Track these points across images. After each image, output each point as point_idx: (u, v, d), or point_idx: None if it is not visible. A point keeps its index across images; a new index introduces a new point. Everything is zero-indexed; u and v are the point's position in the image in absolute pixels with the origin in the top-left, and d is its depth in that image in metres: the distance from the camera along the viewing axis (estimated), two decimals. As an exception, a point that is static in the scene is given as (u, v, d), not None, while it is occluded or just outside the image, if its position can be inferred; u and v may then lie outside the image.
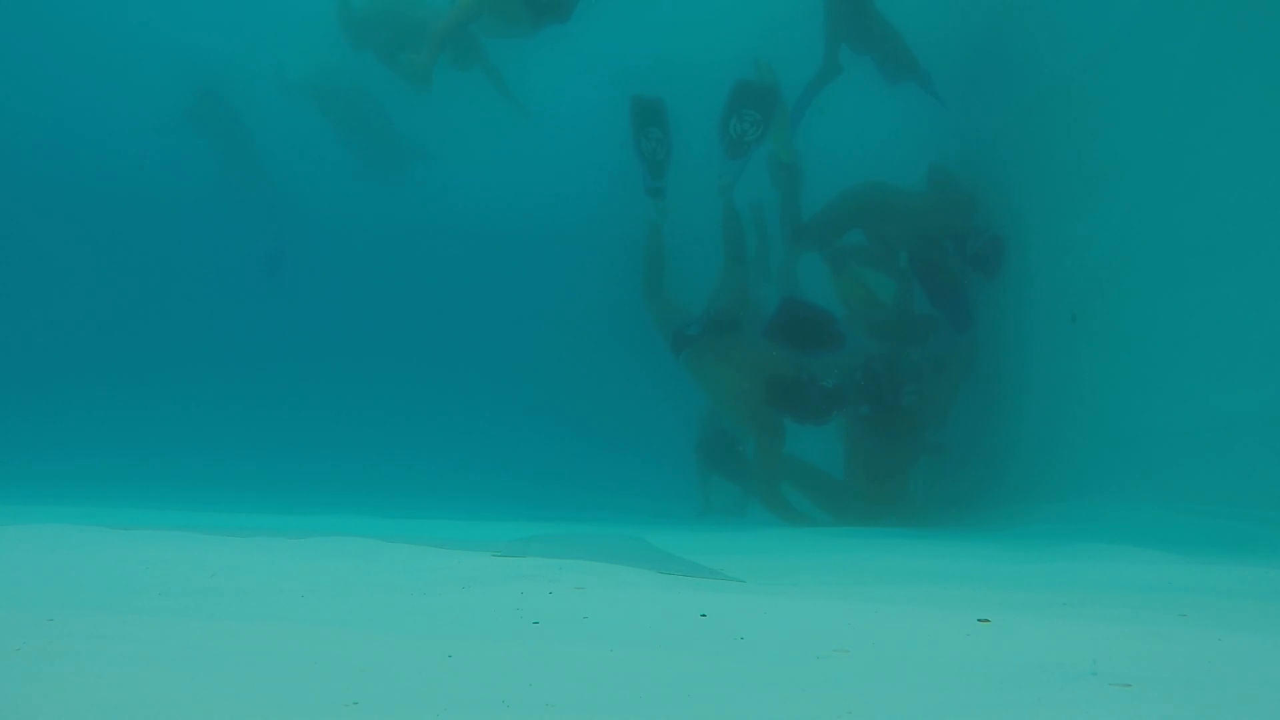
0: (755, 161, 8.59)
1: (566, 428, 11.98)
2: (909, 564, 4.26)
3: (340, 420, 12.07)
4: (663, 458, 10.58)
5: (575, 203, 12.61)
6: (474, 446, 11.38)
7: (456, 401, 12.43)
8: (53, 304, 13.04)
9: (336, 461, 10.64)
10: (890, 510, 7.78)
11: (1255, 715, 1.74)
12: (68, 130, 13.17)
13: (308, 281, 13.52)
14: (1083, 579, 3.69)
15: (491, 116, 11.46)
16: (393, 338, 13.12)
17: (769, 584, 3.56)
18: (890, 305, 8.20)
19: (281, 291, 13.43)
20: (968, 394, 8.15)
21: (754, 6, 9.63)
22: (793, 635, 2.50)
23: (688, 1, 11.08)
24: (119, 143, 13.07)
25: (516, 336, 12.88)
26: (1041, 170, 7.52)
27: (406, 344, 13.03)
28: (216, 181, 13.06)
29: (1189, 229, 6.04)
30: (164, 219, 13.26)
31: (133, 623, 2.42)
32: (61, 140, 13.24)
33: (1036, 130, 7.63)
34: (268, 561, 3.76)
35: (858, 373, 7.67)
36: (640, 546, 4.88)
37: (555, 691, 1.90)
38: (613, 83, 10.36)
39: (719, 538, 5.80)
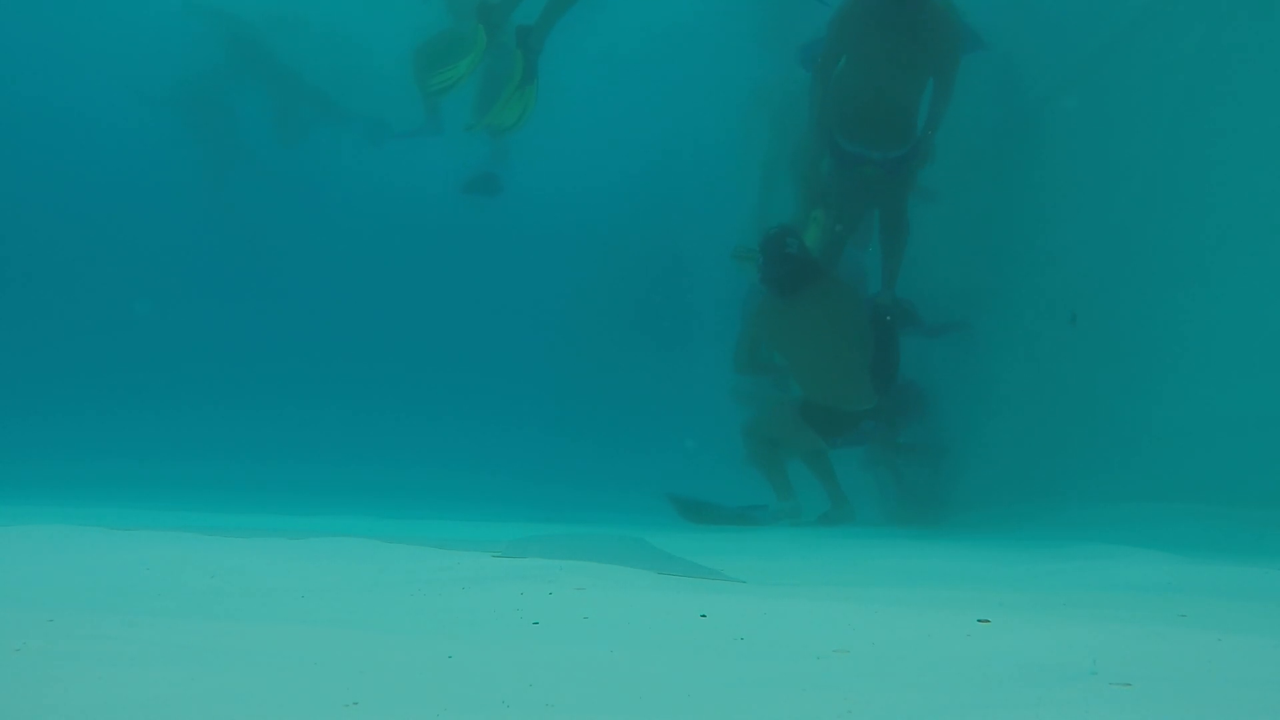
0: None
1: (567, 428, 11.99)
2: (909, 564, 4.26)
3: (341, 420, 12.08)
4: (663, 458, 10.58)
5: (575, 203, 12.63)
6: (474, 447, 11.39)
7: (457, 402, 12.45)
8: (53, 304, 13.05)
9: (336, 461, 10.64)
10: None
11: (1255, 716, 1.74)
12: (66, 133, 13.18)
13: (308, 281, 13.53)
14: (1083, 579, 3.69)
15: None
16: (393, 338, 13.14)
17: (769, 584, 3.56)
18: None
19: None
20: (965, 395, 8.14)
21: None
22: (792, 636, 2.50)
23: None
24: (119, 142, 13.07)
25: (517, 336, 12.89)
26: (1043, 164, 7.53)
27: (407, 344, 13.04)
28: (202, 174, 12.97)
29: (1190, 227, 6.04)
30: (164, 219, 13.26)
31: (133, 623, 2.42)
32: (60, 141, 13.24)
33: (1045, 126, 7.63)
34: (268, 562, 3.77)
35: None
36: (640, 547, 4.88)
37: (555, 692, 1.90)
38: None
39: (719, 539, 5.81)
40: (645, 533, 5.65)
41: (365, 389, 12.56)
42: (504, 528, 6.20)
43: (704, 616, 2.72)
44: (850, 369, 7.26)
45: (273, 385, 12.37)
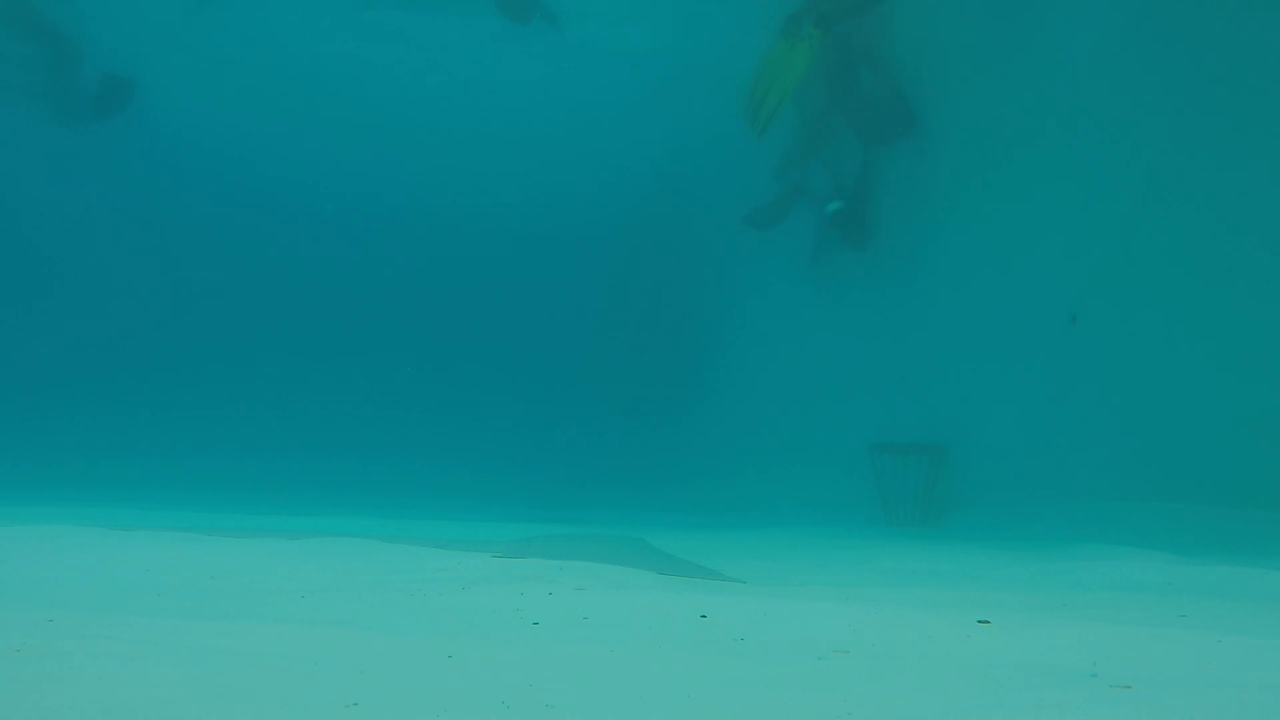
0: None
1: (568, 429, 11.98)
2: (909, 564, 4.26)
3: (341, 420, 12.07)
4: (662, 459, 10.57)
5: (574, 204, 12.60)
6: (475, 448, 11.38)
7: (458, 402, 12.44)
8: (53, 308, 13.03)
9: (336, 461, 10.63)
10: None
11: (1255, 718, 1.74)
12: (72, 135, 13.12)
13: (308, 283, 13.51)
14: (1083, 579, 3.69)
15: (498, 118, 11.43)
16: (394, 339, 13.12)
17: (769, 585, 3.57)
18: None
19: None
20: (962, 393, 8.12)
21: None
22: (793, 636, 2.50)
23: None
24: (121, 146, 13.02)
25: (518, 338, 12.87)
26: (1044, 170, 7.51)
27: (408, 345, 13.03)
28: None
29: (1191, 230, 6.04)
30: (162, 222, 13.24)
31: (133, 623, 2.42)
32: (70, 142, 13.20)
33: (1039, 128, 7.61)
34: (268, 562, 3.77)
35: None
36: (640, 548, 4.89)
37: (555, 692, 1.90)
38: None
39: (719, 539, 5.81)
40: (645, 533, 5.65)
41: (365, 390, 12.57)
42: (504, 528, 6.20)
43: (704, 617, 2.72)
44: None
45: (272, 386, 12.37)
